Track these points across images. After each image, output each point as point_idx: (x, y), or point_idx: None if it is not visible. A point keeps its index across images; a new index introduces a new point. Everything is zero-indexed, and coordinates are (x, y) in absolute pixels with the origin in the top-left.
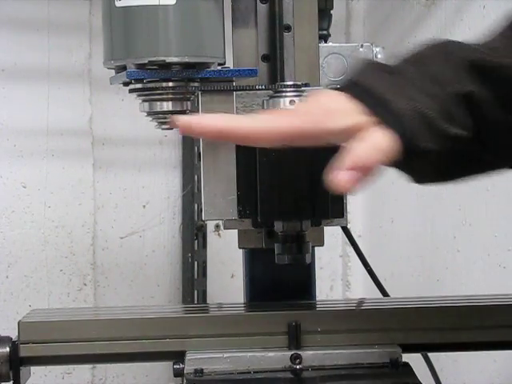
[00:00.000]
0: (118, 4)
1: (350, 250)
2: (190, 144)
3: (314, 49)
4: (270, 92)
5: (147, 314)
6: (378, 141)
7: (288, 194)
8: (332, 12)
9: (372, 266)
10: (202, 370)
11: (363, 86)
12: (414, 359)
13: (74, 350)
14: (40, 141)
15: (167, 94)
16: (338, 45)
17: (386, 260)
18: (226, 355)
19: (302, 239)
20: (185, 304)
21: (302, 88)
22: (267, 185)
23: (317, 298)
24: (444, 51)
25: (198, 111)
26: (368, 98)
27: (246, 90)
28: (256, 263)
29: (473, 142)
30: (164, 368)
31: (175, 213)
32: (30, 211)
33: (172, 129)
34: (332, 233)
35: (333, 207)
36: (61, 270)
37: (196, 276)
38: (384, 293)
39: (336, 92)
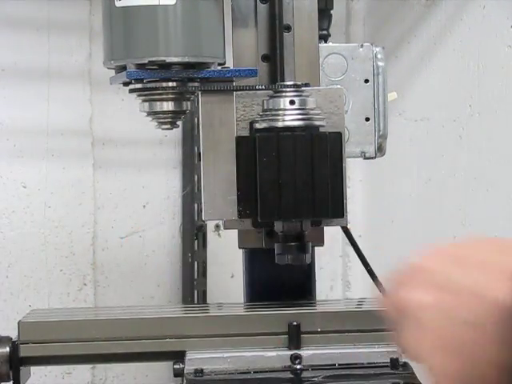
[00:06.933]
0: (117, 4)
1: (350, 249)
2: (190, 144)
3: (313, 49)
4: (270, 92)
5: (147, 313)
6: None
7: (288, 193)
8: (332, 12)
9: (372, 266)
10: (202, 369)
11: None
12: None
13: (74, 350)
14: (40, 141)
15: (167, 93)
16: (337, 45)
17: (385, 260)
18: (225, 355)
19: (302, 239)
20: (185, 304)
21: (302, 88)
22: (267, 185)
23: (317, 298)
24: None
25: (197, 111)
26: None
27: (246, 89)
28: (256, 263)
29: None
30: (164, 368)
31: (175, 213)
32: (29, 211)
33: (172, 129)
34: (332, 233)
35: (333, 207)
36: (61, 270)
37: (196, 276)
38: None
39: None
